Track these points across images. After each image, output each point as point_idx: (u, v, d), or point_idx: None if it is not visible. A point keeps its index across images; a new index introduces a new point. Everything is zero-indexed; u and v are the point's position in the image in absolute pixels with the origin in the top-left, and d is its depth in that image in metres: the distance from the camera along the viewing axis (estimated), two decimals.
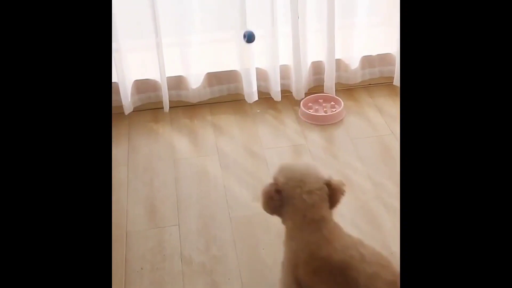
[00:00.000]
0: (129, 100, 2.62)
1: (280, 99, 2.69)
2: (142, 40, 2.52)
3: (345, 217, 2.06)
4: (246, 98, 2.68)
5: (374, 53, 2.75)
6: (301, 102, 2.65)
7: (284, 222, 1.63)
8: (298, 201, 1.55)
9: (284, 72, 2.68)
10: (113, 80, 2.52)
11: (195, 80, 2.65)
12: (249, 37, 2.44)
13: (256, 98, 2.67)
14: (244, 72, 2.64)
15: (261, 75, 2.68)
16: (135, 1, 2.46)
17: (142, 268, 1.93)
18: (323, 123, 2.58)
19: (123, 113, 2.62)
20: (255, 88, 2.66)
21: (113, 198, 2.14)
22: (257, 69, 2.64)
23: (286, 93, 2.72)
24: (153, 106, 2.69)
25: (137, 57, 2.62)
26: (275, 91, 2.67)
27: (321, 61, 2.70)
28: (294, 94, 2.70)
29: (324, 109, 2.64)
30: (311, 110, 2.63)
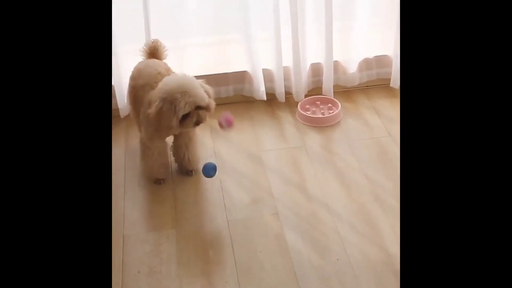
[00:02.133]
0: (126, 103, 2.61)
1: (284, 100, 2.68)
2: (139, 44, 2.50)
3: (342, 219, 2.06)
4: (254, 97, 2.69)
5: (371, 55, 2.74)
6: (298, 104, 2.65)
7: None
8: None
9: (284, 74, 2.67)
10: None
11: None
12: (208, 170, 2.19)
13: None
14: (243, 74, 2.65)
15: (250, 77, 2.68)
16: (132, 5, 2.45)
17: (139, 272, 1.92)
18: (321, 125, 2.57)
19: (119, 116, 2.61)
20: (262, 89, 2.66)
21: None
22: (253, 71, 2.65)
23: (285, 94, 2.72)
24: None
25: (134, 61, 2.61)
26: (279, 93, 2.67)
27: (319, 63, 2.70)
28: (294, 96, 2.69)
29: (322, 111, 2.64)
30: (309, 112, 2.62)
